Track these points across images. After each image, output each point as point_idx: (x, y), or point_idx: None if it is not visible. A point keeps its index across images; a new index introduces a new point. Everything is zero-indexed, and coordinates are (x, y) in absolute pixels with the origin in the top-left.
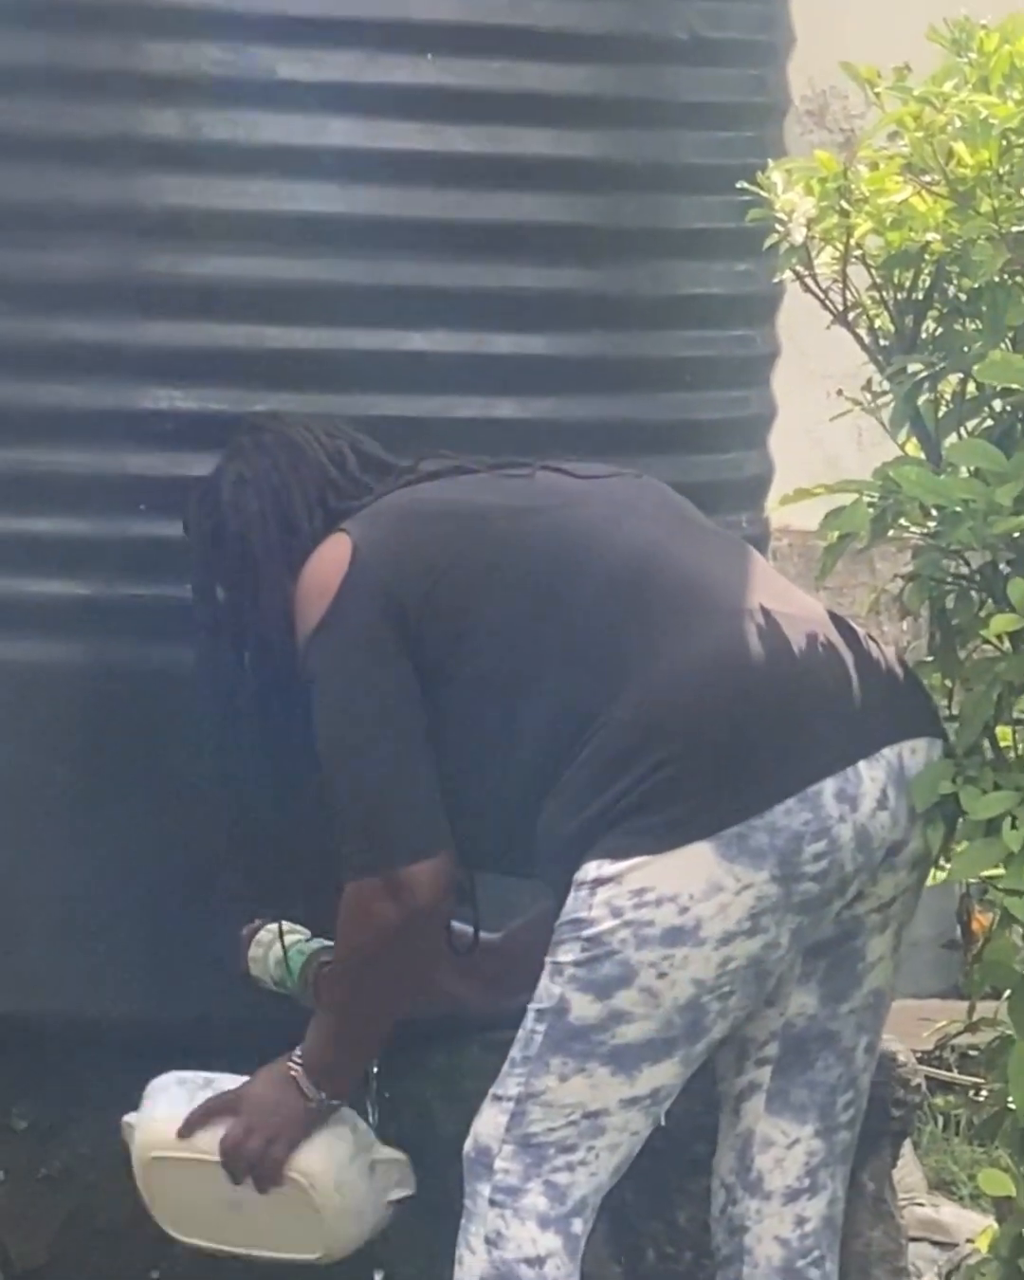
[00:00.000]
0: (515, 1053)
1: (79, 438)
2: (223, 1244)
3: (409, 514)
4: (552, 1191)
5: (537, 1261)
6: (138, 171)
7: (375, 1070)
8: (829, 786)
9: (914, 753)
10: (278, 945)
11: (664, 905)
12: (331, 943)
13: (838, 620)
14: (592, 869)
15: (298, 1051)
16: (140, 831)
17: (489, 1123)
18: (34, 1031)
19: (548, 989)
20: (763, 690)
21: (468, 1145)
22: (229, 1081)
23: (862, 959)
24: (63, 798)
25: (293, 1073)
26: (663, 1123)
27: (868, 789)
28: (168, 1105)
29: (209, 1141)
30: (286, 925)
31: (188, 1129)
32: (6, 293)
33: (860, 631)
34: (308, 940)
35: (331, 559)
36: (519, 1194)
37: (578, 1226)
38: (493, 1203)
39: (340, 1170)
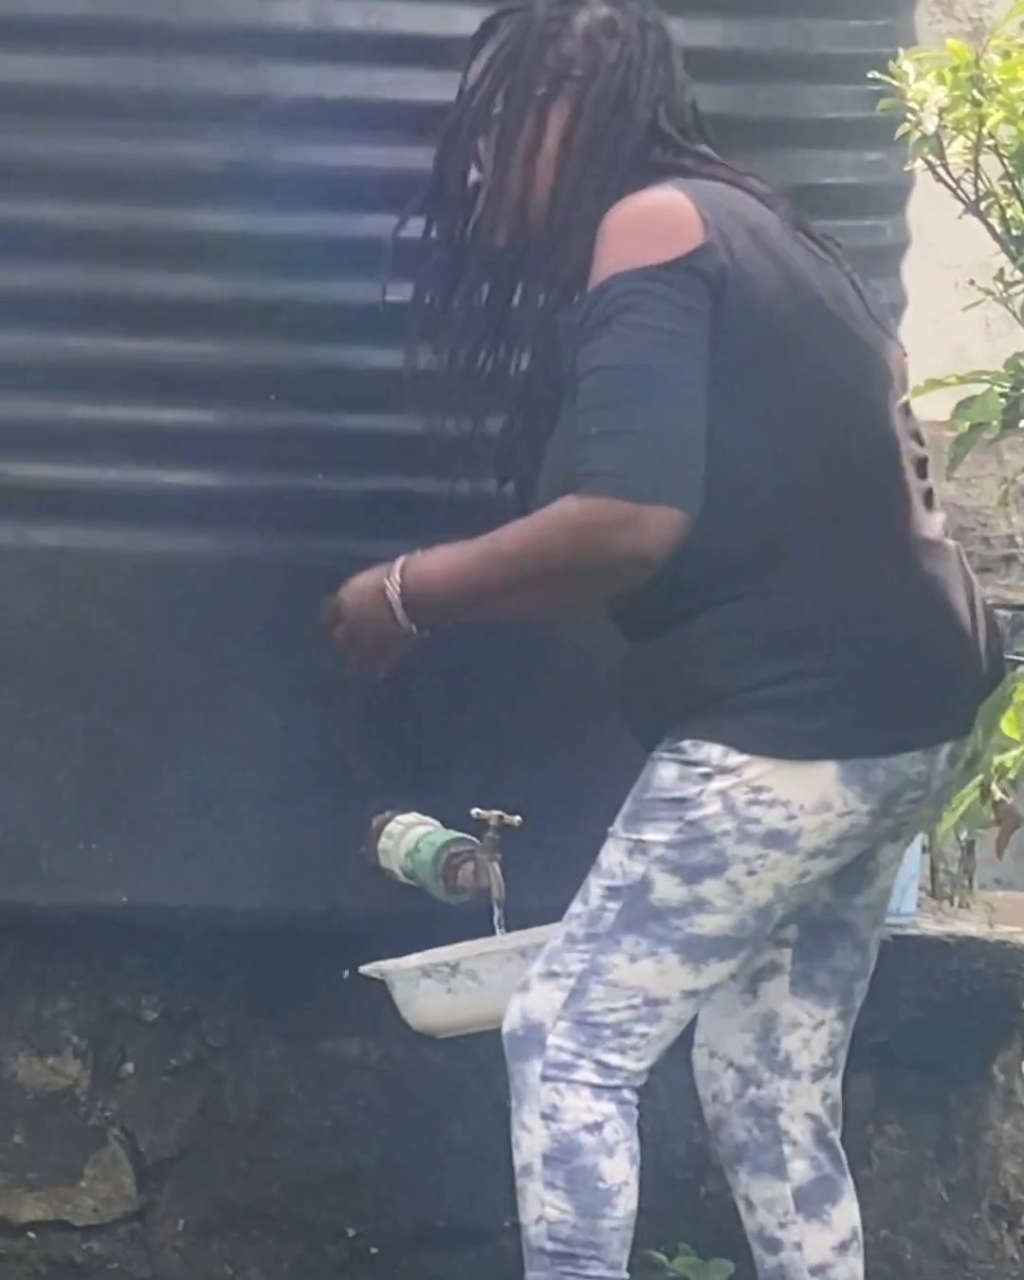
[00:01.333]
0: (576, 930)
1: (211, 329)
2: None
3: (759, 240)
4: (602, 1069)
5: (595, 1127)
6: (269, 61)
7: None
8: (948, 748)
9: None
10: (408, 835)
11: (775, 808)
12: (463, 834)
13: (964, 561)
14: (716, 755)
15: (400, 562)
16: (270, 723)
17: (543, 999)
18: (164, 923)
19: (626, 866)
20: (940, 638)
21: (513, 1024)
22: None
23: (872, 858)
24: (194, 689)
25: (386, 585)
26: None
27: (963, 750)
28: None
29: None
30: (416, 816)
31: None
32: (140, 185)
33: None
34: (438, 830)
35: (681, 208)
36: (571, 1069)
37: (628, 1095)
38: (545, 1078)
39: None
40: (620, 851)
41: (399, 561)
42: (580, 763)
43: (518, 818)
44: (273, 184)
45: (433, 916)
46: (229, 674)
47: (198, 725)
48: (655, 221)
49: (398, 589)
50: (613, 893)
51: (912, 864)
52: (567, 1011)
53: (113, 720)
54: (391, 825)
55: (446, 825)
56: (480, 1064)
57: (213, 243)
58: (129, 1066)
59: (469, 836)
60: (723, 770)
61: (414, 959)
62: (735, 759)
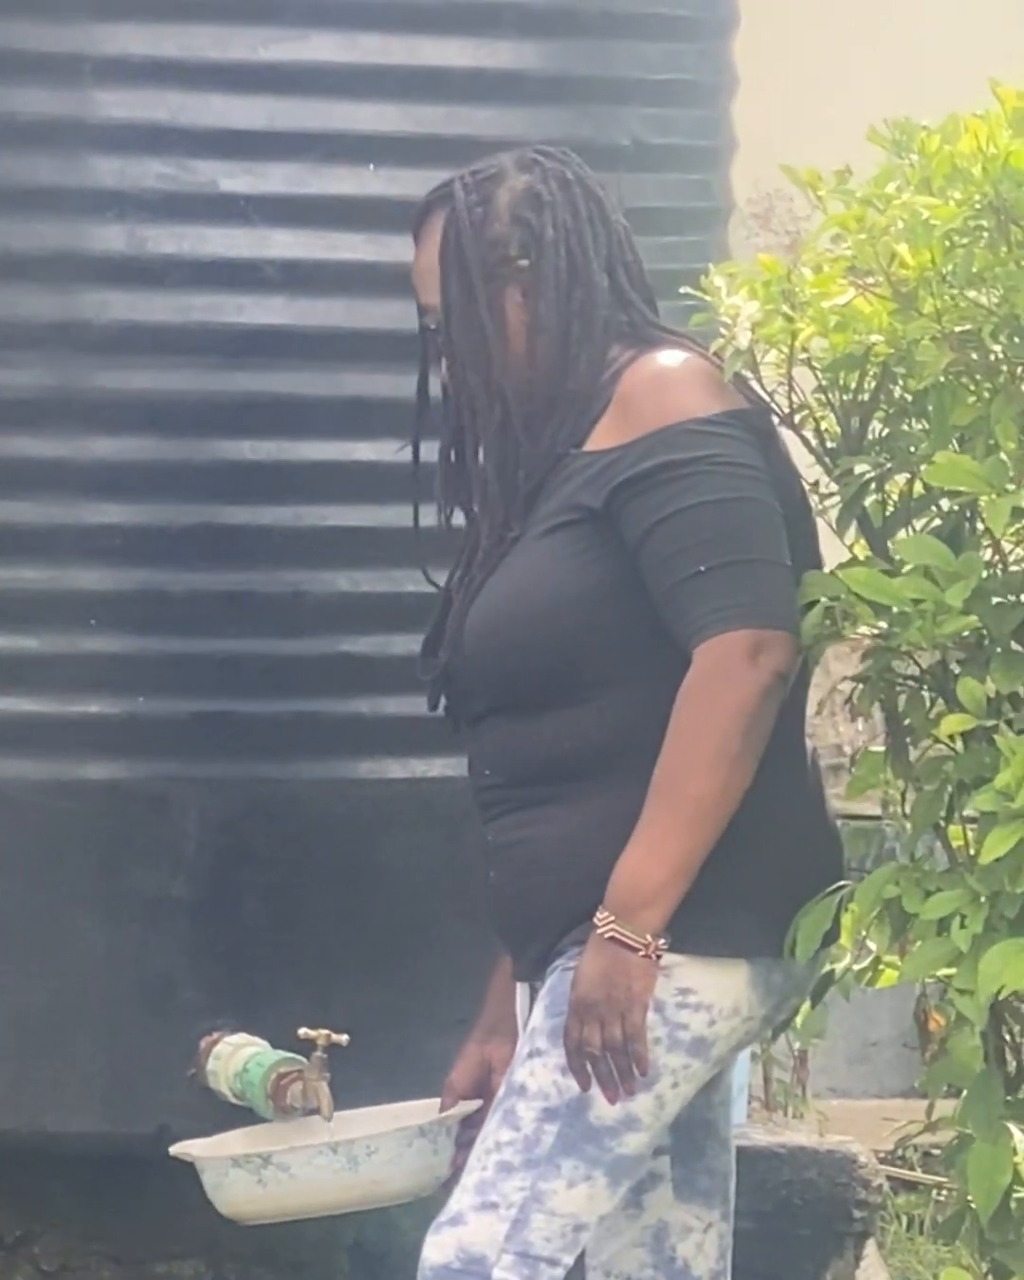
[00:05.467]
0: (511, 1158)
1: (28, 553)
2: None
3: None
4: None
5: None
6: (83, 286)
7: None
8: (827, 951)
9: None
10: (237, 1056)
11: (700, 1012)
12: (291, 1054)
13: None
14: None
15: (605, 924)
16: (95, 946)
17: (483, 1231)
18: None
19: (561, 1085)
20: (830, 839)
21: (447, 1256)
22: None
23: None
24: (17, 914)
25: (607, 931)
26: None
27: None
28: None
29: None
30: (244, 1036)
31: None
32: None
33: None
34: (266, 1051)
35: (710, 369)
36: None
37: None
38: None
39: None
40: (552, 1070)
41: (604, 924)
42: (407, 980)
43: (345, 1036)
44: (88, 409)
45: None
46: (54, 897)
47: (22, 949)
48: (689, 378)
49: (633, 933)
50: (549, 1114)
51: (743, 1074)
52: (510, 1244)
53: None
54: (220, 1046)
55: (274, 1045)
56: None
57: (29, 468)
58: None
59: (297, 1056)
60: None
61: (231, 1140)
62: (664, 958)
